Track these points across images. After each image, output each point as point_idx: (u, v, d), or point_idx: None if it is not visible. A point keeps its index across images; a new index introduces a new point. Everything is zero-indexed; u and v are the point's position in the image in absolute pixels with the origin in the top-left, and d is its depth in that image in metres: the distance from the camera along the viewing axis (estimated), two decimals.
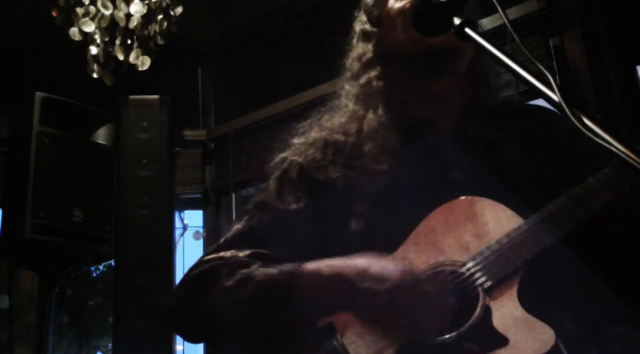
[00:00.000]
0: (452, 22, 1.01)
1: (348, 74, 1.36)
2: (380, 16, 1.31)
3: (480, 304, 1.04)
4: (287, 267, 1.15)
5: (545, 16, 3.08)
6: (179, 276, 3.52)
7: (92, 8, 3.08)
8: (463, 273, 1.08)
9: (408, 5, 1.23)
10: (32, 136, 3.38)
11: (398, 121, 1.27)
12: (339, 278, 1.11)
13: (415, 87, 1.29)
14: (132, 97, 3.65)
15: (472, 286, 1.07)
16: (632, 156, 0.77)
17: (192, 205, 4.27)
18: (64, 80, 3.75)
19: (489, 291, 1.05)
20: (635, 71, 2.93)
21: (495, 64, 1.32)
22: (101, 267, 9.07)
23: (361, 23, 1.37)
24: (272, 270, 1.15)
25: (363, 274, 1.09)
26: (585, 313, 1.12)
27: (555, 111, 1.17)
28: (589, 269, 1.05)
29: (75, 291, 8.96)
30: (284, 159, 1.33)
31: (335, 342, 1.10)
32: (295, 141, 1.34)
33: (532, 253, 1.04)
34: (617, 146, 0.78)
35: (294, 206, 1.25)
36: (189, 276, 1.26)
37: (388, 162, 1.21)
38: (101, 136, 3.72)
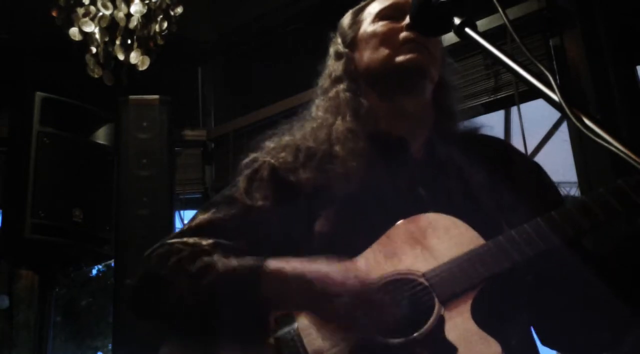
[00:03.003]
0: (452, 22, 1.01)
1: (319, 91, 1.44)
2: (354, 38, 1.40)
3: (435, 313, 1.10)
4: (249, 261, 1.18)
5: (545, 16, 3.08)
6: None
7: (92, 8, 3.08)
8: (422, 283, 1.13)
9: (382, 27, 1.33)
10: (32, 136, 3.38)
11: (367, 130, 1.32)
12: (300, 280, 1.15)
13: (386, 105, 1.34)
14: (132, 97, 3.65)
15: (429, 296, 1.12)
16: (632, 156, 0.77)
17: (192, 205, 4.27)
18: (64, 80, 3.75)
19: (444, 303, 1.10)
20: (635, 71, 2.93)
21: (457, 90, 1.44)
22: (98, 267, 9.07)
23: (335, 44, 1.45)
24: (234, 262, 1.18)
25: (323, 278, 1.13)
26: (529, 330, 1.21)
27: (510, 143, 1.38)
28: (539, 289, 1.15)
29: (69, 291, 8.96)
30: (256, 158, 1.37)
31: (291, 331, 1.14)
32: (268, 144, 1.38)
33: (489, 272, 1.10)
34: (617, 146, 0.78)
35: (260, 203, 1.29)
36: (150, 255, 1.30)
37: (356, 167, 1.26)
38: (101, 136, 3.72)
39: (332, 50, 1.45)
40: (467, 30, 1.00)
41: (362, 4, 1.45)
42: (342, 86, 1.37)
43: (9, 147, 3.64)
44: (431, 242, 1.16)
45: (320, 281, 1.13)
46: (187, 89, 4.38)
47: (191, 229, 1.30)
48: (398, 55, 1.30)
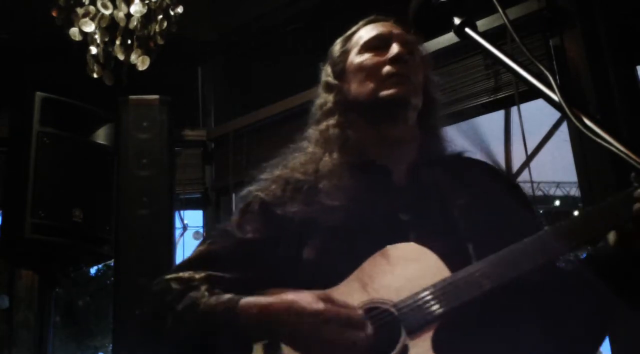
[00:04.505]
0: (452, 22, 1.01)
1: (312, 119, 1.53)
2: (343, 69, 1.49)
3: (400, 343, 1.16)
4: (225, 299, 1.26)
5: (545, 16, 3.08)
6: None
7: (92, 8, 3.08)
8: (392, 312, 1.20)
9: (367, 61, 1.43)
10: (32, 136, 3.38)
11: (353, 164, 1.40)
12: (267, 311, 1.21)
13: (373, 132, 1.44)
14: (132, 97, 3.65)
15: (398, 325, 1.18)
16: (632, 156, 0.77)
17: (192, 205, 4.28)
18: (64, 80, 3.75)
19: (410, 332, 1.17)
20: (635, 71, 2.93)
21: (442, 108, 1.50)
22: (98, 266, 9.07)
23: (326, 74, 1.53)
24: (213, 300, 1.27)
25: (290, 307, 1.19)
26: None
27: (494, 166, 1.45)
28: (506, 318, 1.20)
29: (68, 291, 8.96)
30: (249, 192, 1.46)
31: None
32: (262, 176, 1.47)
33: (449, 306, 1.16)
34: (617, 146, 0.78)
35: (250, 236, 1.38)
36: (150, 292, 1.40)
37: (341, 200, 1.34)
38: (101, 136, 3.72)
39: (323, 80, 1.54)
40: (467, 30, 1.00)
41: (351, 31, 1.53)
42: (332, 121, 1.46)
43: (9, 147, 3.64)
44: (403, 272, 1.22)
45: (286, 311, 1.20)
46: (187, 89, 4.38)
47: (189, 262, 1.40)
48: (382, 89, 1.40)
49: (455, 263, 1.21)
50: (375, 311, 1.21)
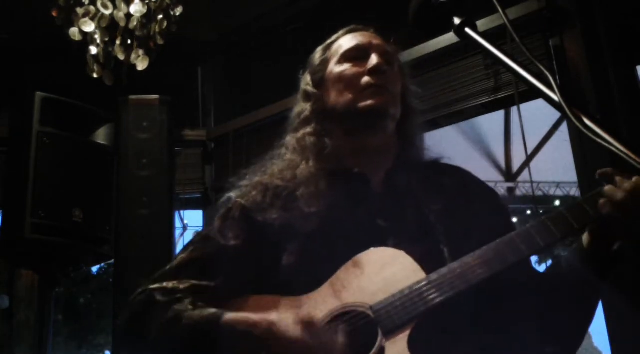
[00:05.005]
0: (452, 22, 1.01)
1: (291, 127, 1.55)
2: (322, 78, 1.51)
3: (377, 344, 1.19)
4: (208, 313, 1.26)
5: (545, 16, 3.08)
6: None
7: (92, 8, 3.08)
8: (368, 315, 1.22)
9: (346, 71, 1.45)
10: (32, 136, 3.38)
11: (329, 171, 1.42)
12: (248, 333, 1.22)
13: (350, 141, 1.46)
14: (132, 97, 3.65)
15: (374, 328, 1.21)
16: (632, 156, 0.77)
17: (192, 205, 4.28)
18: (64, 80, 3.75)
19: (387, 334, 1.19)
20: (635, 71, 2.93)
21: (419, 116, 1.53)
22: (98, 266, 9.07)
23: (305, 83, 1.55)
24: (196, 314, 1.26)
25: (268, 330, 1.20)
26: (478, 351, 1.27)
27: (469, 172, 1.48)
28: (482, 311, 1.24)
29: (68, 290, 8.96)
30: (230, 198, 1.47)
31: None
32: (242, 183, 1.49)
33: (426, 306, 1.19)
34: (617, 146, 0.78)
35: (232, 242, 1.38)
36: (133, 302, 1.39)
37: (319, 206, 1.36)
38: (101, 136, 3.72)
39: (301, 88, 1.55)
40: (467, 30, 1.00)
41: (330, 40, 1.56)
42: (309, 129, 1.48)
43: (9, 147, 3.64)
44: (379, 276, 1.24)
45: (268, 330, 1.20)
46: (187, 89, 4.38)
47: (172, 270, 1.40)
48: (360, 100, 1.42)
49: (431, 266, 1.23)
50: (349, 315, 1.23)
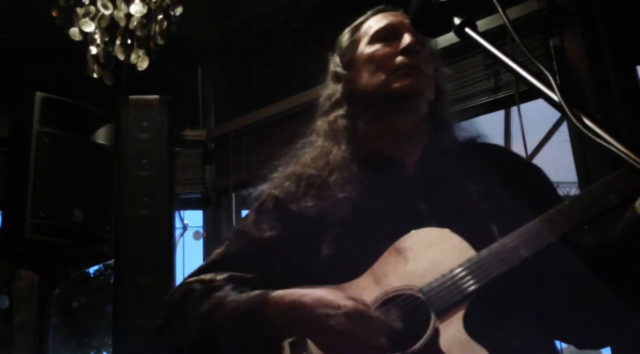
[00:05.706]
0: (452, 22, 1.01)
1: (320, 111, 1.50)
2: (352, 59, 1.45)
3: (430, 327, 1.15)
4: (254, 294, 1.24)
5: (545, 16, 3.08)
6: (179, 276, 3.52)
7: (92, 8, 3.08)
8: (419, 298, 1.18)
9: (378, 51, 1.40)
10: (32, 136, 3.38)
11: (361, 156, 1.39)
12: (297, 304, 1.19)
13: (380, 125, 1.41)
14: (132, 97, 3.65)
15: (426, 310, 1.16)
16: (632, 155, 0.77)
17: (192, 205, 4.28)
18: (64, 80, 3.76)
19: (439, 315, 1.15)
20: (635, 71, 2.93)
21: (450, 95, 1.47)
22: (97, 266, 9.06)
23: (334, 65, 1.50)
24: (242, 297, 1.24)
25: (319, 301, 1.18)
26: (532, 331, 1.22)
27: (507, 149, 1.31)
28: (538, 289, 1.19)
29: (64, 291, 8.95)
30: (263, 191, 1.44)
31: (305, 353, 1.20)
32: (274, 175, 1.46)
33: (480, 283, 1.14)
34: (617, 146, 0.78)
35: (268, 234, 1.36)
36: (172, 296, 1.37)
37: (353, 192, 1.32)
38: (101, 136, 3.72)
39: (331, 70, 1.51)
40: (467, 30, 1.00)
41: (359, 20, 1.50)
42: (340, 112, 1.44)
43: (9, 147, 3.64)
44: (427, 257, 1.20)
45: (316, 303, 1.18)
46: (187, 89, 4.38)
47: (207, 266, 1.38)
48: (394, 81, 1.36)
49: (480, 242, 1.18)
50: (399, 299, 1.19)
